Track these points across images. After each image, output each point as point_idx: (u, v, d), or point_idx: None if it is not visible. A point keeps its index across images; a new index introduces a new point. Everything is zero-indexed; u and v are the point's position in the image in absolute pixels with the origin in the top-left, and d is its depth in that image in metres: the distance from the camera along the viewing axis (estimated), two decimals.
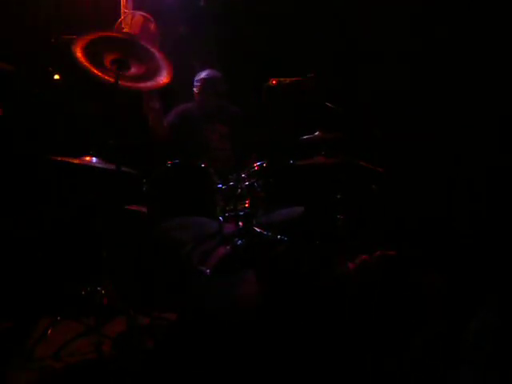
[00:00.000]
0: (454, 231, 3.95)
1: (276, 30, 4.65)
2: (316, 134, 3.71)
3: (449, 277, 3.28)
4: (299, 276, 3.12)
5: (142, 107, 3.86)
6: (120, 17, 4.10)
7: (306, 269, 3.17)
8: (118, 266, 3.45)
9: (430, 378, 2.65)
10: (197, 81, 4.11)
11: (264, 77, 3.80)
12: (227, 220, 3.32)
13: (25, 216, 3.94)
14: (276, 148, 4.03)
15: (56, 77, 3.82)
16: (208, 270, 3.07)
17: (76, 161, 3.34)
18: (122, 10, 4.12)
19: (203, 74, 4.09)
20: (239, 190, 3.33)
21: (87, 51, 3.20)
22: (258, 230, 3.30)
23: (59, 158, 3.37)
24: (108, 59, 3.26)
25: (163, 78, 3.32)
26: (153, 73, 3.31)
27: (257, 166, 3.35)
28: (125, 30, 3.94)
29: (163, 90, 3.59)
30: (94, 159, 3.37)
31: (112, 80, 3.22)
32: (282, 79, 3.74)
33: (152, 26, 4.12)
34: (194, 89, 4.12)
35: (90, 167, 3.47)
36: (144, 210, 3.36)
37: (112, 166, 3.28)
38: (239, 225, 3.31)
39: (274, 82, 3.73)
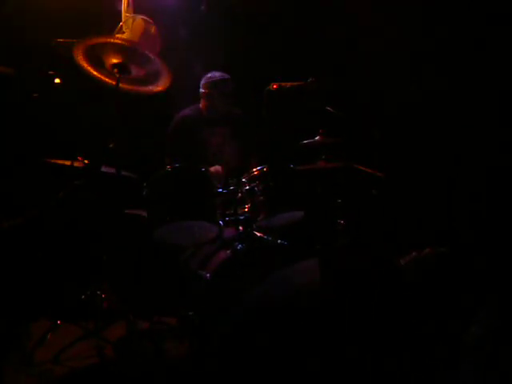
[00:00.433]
0: (454, 233, 3.95)
1: (276, 34, 4.65)
2: (316, 138, 3.71)
3: (449, 277, 3.29)
4: (358, 269, 3.11)
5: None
6: (121, 20, 4.10)
7: (366, 262, 3.17)
8: (117, 270, 3.45)
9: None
10: (205, 81, 4.10)
11: (265, 81, 3.80)
12: (227, 224, 3.32)
13: (25, 219, 3.93)
14: (276, 152, 4.03)
15: (57, 80, 3.81)
16: (208, 275, 3.07)
17: (76, 164, 3.34)
18: (123, 13, 4.12)
19: (212, 75, 4.08)
20: (239, 195, 3.32)
21: (88, 55, 3.21)
22: (258, 234, 3.30)
23: (59, 162, 3.38)
24: (109, 63, 3.27)
25: (163, 82, 3.33)
26: (153, 77, 3.32)
27: (257, 170, 3.34)
28: (126, 34, 3.94)
29: (163, 94, 3.58)
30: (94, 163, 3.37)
31: (113, 83, 3.23)
32: (282, 83, 3.74)
33: (153, 30, 4.12)
34: (201, 90, 4.11)
35: (90, 171, 3.47)
36: (144, 213, 3.36)
37: (112, 170, 3.29)
38: (239, 229, 3.31)
39: (274, 86, 3.73)
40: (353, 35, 4.57)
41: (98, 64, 3.25)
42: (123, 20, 4.09)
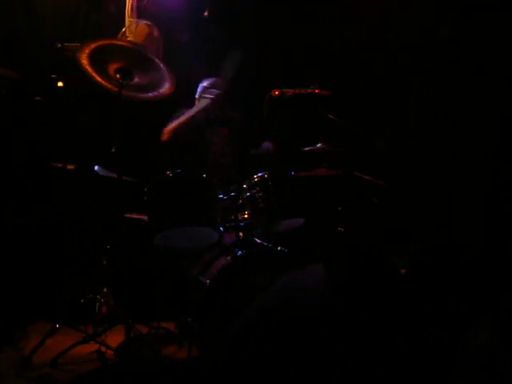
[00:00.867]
0: (455, 242, 3.95)
1: (279, 40, 4.66)
2: (318, 145, 3.71)
3: (450, 286, 3.29)
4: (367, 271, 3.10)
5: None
6: (124, 25, 4.11)
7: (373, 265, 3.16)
8: (117, 275, 3.45)
9: None
10: (199, 88, 4.13)
11: (267, 87, 3.80)
12: (228, 230, 3.33)
13: (25, 222, 3.94)
14: (277, 159, 4.03)
15: (60, 84, 3.82)
16: (208, 281, 3.07)
17: (77, 168, 3.35)
18: (127, 18, 4.13)
19: (205, 83, 4.11)
20: (240, 201, 3.33)
21: (92, 59, 3.21)
22: (259, 240, 3.30)
23: (61, 165, 3.38)
24: (112, 67, 3.27)
25: (166, 89, 3.33)
26: (156, 83, 3.32)
27: (258, 176, 3.35)
28: (129, 39, 3.95)
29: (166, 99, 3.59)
30: (96, 167, 3.38)
31: (115, 89, 3.23)
32: (284, 90, 3.74)
33: (156, 34, 4.13)
34: (196, 95, 4.13)
35: (91, 175, 3.48)
36: (145, 219, 3.36)
37: (113, 174, 3.29)
38: (240, 235, 3.31)
39: (276, 92, 3.73)
40: (355, 42, 4.58)
41: (102, 70, 3.25)
42: (127, 25, 4.11)
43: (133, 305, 3.39)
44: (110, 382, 2.94)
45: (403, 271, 3.41)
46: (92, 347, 3.19)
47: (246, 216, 3.32)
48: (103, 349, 3.17)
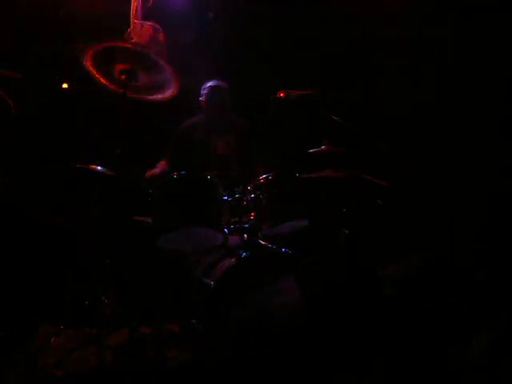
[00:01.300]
0: (459, 246, 3.94)
1: (284, 42, 4.66)
2: (322, 147, 3.71)
3: (454, 291, 3.28)
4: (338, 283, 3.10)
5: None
6: (129, 26, 4.12)
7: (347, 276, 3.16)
8: (121, 276, 3.45)
9: None
10: (203, 89, 4.14)
11: (272, 89, 3.80)
12: (232, 232, 3.32)
13: (28, 223, 3.94)
14: (282, 161, 4.03)
15: (64, 85, 3.83)
16: (212, 282, 3.07)
17: (82, 169, 3.35)
18: (132, 19, 4.14)
19: (210, 83, 4.12)
20: (245, 203, 3.33)
21: (97, 60, 3.21)
22: (263, 242, 3.30)
23: (65, 166, 3.38)
24: (117, 69, 3.27)
25: (171, 91, 3.33)
26: (161, 85, 3.32)
27: (263, 178, 3.35)
28: (134, 40, 3.95)
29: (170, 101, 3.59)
30: (100, 168, 3.38)
31: (120, 90, 3.23)
32: (289, 92, 3.74)
33: (161, 36, 4.13)
34: (201, 98, 4.14)
35: (96, 176, 3.48)
36: (149, 220, 3.36)
37: (118, 176, 3.29)
38: (244, 237, 3.31)
39: (281, 94, 3.73)
40: (359, 42, 4.57)
41: (106, 71, 3.25)
42: (131, 26, 4.11)
43: (137, 306, 3.39)
44: (113, 383, 2.94)
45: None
46: (96, 349, 3.18)
47: (250, 218, 3.31)
48: (107, 350, 3.17)
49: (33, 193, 4.01)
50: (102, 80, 3.31)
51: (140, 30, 4.10)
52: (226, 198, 3.32)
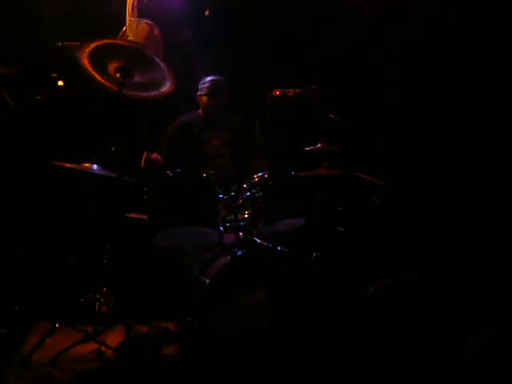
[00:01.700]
0: (457, 244, 3.94)
1: (280, 39, 4.65)
2: (318, 145, 3.71)
3: (451, 291, 3.28)
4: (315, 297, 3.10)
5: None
6: (125, 24, 4.11)
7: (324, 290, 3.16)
8: (117, 274, 3.45)
9: None
10: (202, 83, 4.13)
11: (268, 87, 3.80)
12: (228, 230, 3.32)
13: (25, 222, 3.93)
14: (278, 159, 4.03)
15: (60, 83, 3.82)
16: (208, 280, 3.06)
17: (77, 167, 3.34)
18: (128, 17, 4.13)
19: (209, 77, 4.12)
20: (240, 201, 3.32)
21: (92, 58, 3.20)
22: (259, 240, 3.29)
23: (61, 164, 3.37)
24: (112, 66, 3.26)
25: (166, 88, 3.32)
26: (156, 82, 3.31)
27: (258, 176, 3.34)
28: (130, 38, 3.95)
29: (166, 99, 3.58)
30: (95, 166, 3.37)
31: (115, 88, 3.23)
32: (285, 90, 3.73)
33: (157, 34, 4.13)
34: (199, 92, 4.13)
35: (91, 174, 3.47)
36: (145, 218, 3.36)
37: (113, 174, 3.28)
38: (240, 235, 3.31)
39: (277, 92, 3.73)
40: (356, 42, 4.57)
41: (102, 68, 3.24)
42: (127, 24, 4.11)
43: (133, 304, 3.39)
44: (109, 381, 2.93)
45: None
46: (92, 347, 3.18)
47: (246, 216, 3.31)
48: (103, 348, 3.17)
49: (30, 191, 4.01)
50: (98, 77, 3.29)
51: (136, 27, 4.10)
52: (221, 195, 3.32)
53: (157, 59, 3.21)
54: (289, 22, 4.69)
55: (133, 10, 4.12)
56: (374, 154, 4.22)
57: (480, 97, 4.00)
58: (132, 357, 3.11)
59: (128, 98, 3.35)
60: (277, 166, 3.77)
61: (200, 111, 4.21)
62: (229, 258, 3.11)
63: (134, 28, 4.05)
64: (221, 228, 3.27)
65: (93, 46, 3.16)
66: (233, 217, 3.32)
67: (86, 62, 3.17)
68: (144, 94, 3.40)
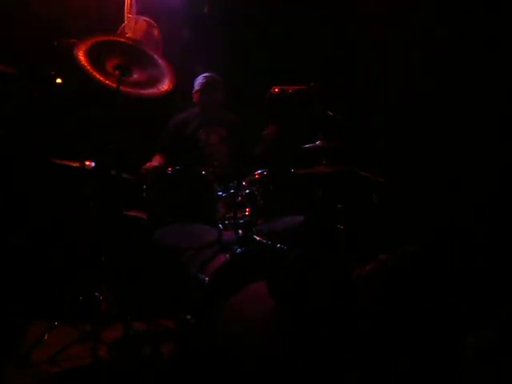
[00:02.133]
0: (456, 241, 3.93)
1: (280, 37, 4.64)
2: (317, 142, 3.70)
3: (450, 287, 3.27)
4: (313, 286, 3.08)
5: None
6: (123, 21, 4.11)
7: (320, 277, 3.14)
8: (116, 272, 3.44)
9: None
10: (197, 82, 4.12)
11: (267, 84, 3.79)
12: (227, 228, 3.31)
13: (23, 219, 3.93)
14: (277, 156, 4.02)
15: (58, 80, 3.81)
16: (207, 278, 3.06)
17: (76, 165, 3.33)
18: (126, 14, 4.13)
19: (203, 76, 4.11)
20: (239, 198, 3.31)
21: (90, 55, 3.19)
22: (258, 238, 3.29)
23: (59, 161, 3.37)
24: (110, 64, 3.25)
25: (165, 86, 3.31)
26: (155, 80, 3.31)
27: (257, 174, 3.34)
28: (128, 35, 3.94)
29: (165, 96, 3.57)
30: (94, 164, 3.36)
31: (113, 85, 3.21)
32: (284, 87, 3.72)
33: (155, 32, 4.13)
34: (194, 90, 4.13)
35: (89, 171, 3.46)
36: (143, 215, 3.36)
37: (112, 171, 3.28)
38: (239, 233, 3.30)
39: (276, 89, 3.71)
40: (356, 39, 4.56)
41: (100, 66, 3.23)
42: (126, 21, 4.10)
43: (131, 302, 3.38)
44: (106, 379, 2.93)
45: None
46: (90, 345, 3.17)
47: (245, 213, 3.31)
48: (101, 346, 3.16)
49: (27, 189, 4.00)
50: (96, 75, 3.27)
51: (134, 25, 4.10)
52: (220, 193, 3.31)
53: (155, 56, 3.21)
54: (288, 19, 4.67)
55: (131, 7, 4.11)
56: (374, 151, 4.21)
57: (481, 95, 3.99)
58: (130, 355, 3.10)
59: (127, 96, 3.34)
60: (276, 163, 3.76)
61: (197, 109, 4.20)
62: (228, 255, 3.11)
63: (132, 25, 4.05)
64: (220, 225, 3.26)
65: (90, 43, 3.15)
66: (232, 214, 3.32)
67: (83, 59, 3.16)
68: (142, 92, 3.39)
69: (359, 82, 4.51)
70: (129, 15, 4.13)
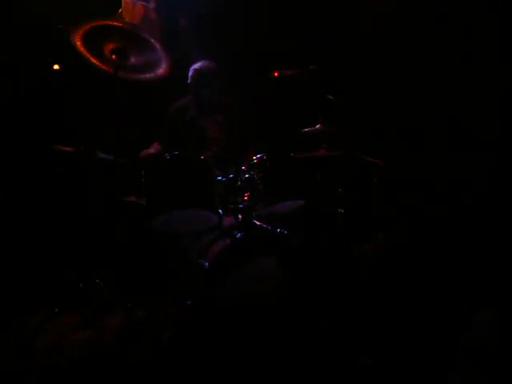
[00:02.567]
0: (456, 226, 3.93)
1: (278, 20, 4.60)
2: (317, 126, 3.68)
3: (450, 275, 3.27)
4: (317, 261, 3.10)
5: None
6: (121, 6, 4.07)
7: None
8: (116, 259, 3.44)
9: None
10: (190, 71, 4.08)
11: (266, 68, 3.76)
12: (226, 213, 3.30)
13: (24, 205, 3.92)
14: (277, 140, 4.00)
15: (55, 67, 3.78)
16: (207, 263, 3.05)
17: (75, 151, 3.32)
18: None
19: (196, 65, 4.06)
20: (239, 183, 3.30)
21: (86, 40, 3.17)
22: (258, 222, 3.28)
23: (58, 148, 3.35)
24: (107, 49, 3.23)
25: (162, 70, 3.29)
26: (152, 64, 3.28)
27: (257, 158, 3.32)
28: (125, 20, 3.91)
29: (162, 82, 3.54)
30: (94, 150, 3.35)
31: (111, 70, 3.19)
32: (284, 71, 3.70)
33: (153, 15, 4.09)
34: (188, 80, 4.10)
35: (89, 157, 3.45)
36: (143, 201, 3.34)
37: (111, 157, 3.27)
38: (239, 218, 3.29)
39: (276, 73, 3.69)
40: (355, 23, 4.53)
41: (97, 50, 3.20)
42: (123, 5, 4.07)
43: (132, 288, 3.38)
44: (109, 366, 2.93)
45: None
46: (91, 331, 3.18)
47: (245, 198, 3.29)
48: (103, 333, 3.16)
49: (28, 177, 3.99)
50: (93, 60, 3.25)
51: (132, 9, 4.06)
52: (220, 178, 3.30)
53: (152, 40, 3.18)
54: (287, 8, 4.63)
55: None
56: (372, 134, 4.20)
57: (482, 91, 3.97)
58: (131, 341, 3.10)
59: (126, 83, 3.32)
60: (276, 147, 3.74)
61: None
62: (228, 240, 3.10)
63: (129, 10, 4.02)
64: (220, 210, 3.25)
65: (86, 28, 3.12)
66: (232, 199, 3.30)
67: (79, 44, 3.13)
68: (140, 76, 3.36)
69: (360, 65, 4.48)
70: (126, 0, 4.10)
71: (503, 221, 3.73)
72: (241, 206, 3.29)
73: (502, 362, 2.48)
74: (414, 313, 3.02)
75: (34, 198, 3.97)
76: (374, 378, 2.67)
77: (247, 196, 3.29)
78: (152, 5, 4.11)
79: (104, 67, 3.26)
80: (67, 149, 3.47)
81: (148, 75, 3.33)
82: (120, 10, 4.00)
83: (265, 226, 3.26)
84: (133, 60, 3.26)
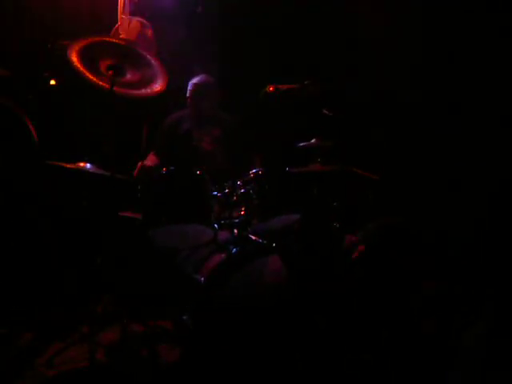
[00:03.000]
0: (452, 238, 3.93)
1: (275, 36, 4.63)
2: (312, 141, 3.69)
3: (447, 280, 3.27)
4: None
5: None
6: (117, 22, 4.10)
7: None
8: (111, 274, 3.43)
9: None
10: (189, 85, 4.11)
11: (262, 82, 3.78)
12: (222, 227, 3.31)
13: (19, 220, 3.91)
14: (272, 155, 4.01)
15: (52, 82, 3.80)
16: (202, 278, 3.05)
17: (70, 166, 3.33)
18: (119, 15, 4.12)
19: (194, 80, 4.08)
20: (234, 198, 3.31)
21: (83, 56, 3.19)
22: (254, 237, 3.28)
23: (54, 163, 3.36)
24: (104, 65, 3.25)
25: (158, 86, 3.31)
26: (148, 80, 3.30)
27: (252, 173, 3.33)
28: (122, 36, 3.93)
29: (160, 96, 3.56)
30: (89, 165, 3.35)
31: (107, 86, 3.21)
32: (279, 86, 3.72)
33: (149, 32, 4.12)
34: (187, 94, 4.12)
35: (84, 173, 3.45)
36: (138, 216, 3.35)
37: (106, 173, 3.27)
38: (234, 232, 3.29)
39: (271, 88, 3.71)
40: (352, 36, 4.55)
41: (93, 66, 3.22)
42: (119, 22, 4.09)
43: (128, 303, 3.37)
44: (104, 382, 2.92)
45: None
46: (87, 347, 3.17)
47: (240, 213, 3.30)
48: (98, 348, 3.15)
49: (23, 191, 3.99)
50: (89, 76, 3.27)
51: (128, 25, 4.08)
52: (215, 193, 3.30)
53: (148, 57, 3.20)
54: (283, 19, 4.66)
55: (125, 7, 4.11)
56: (369, 149, 4.21)
57: (481, 91, 3.98)
58: (127, 356, 3.09)
59: (120, 97, 3.33)
60: (271, 162, 3.76)
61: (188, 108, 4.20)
62: (223, 255, 3.10)
63: (125, 26, 4.04)
64: (215, 225, 3.26)
65: (83, 44, 3.15)
66: (227, 214, 3.31)
67: (76, 60, 3.15)
68: (136, 92, 3.38)
69: (355, 80, 4.50)
70: (122, 16, 4.12)
71: (504, 223, 3.73)
72: (236, 220, 3.30)
73: (502, 362, 2.48)
74: (414, 313, 3.02)
75: (30, 213, 3.97)
76: (373, 378, 2.67)
77: (243, 211, 3.29)
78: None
79: (100, 83, 3.28)
80: (63, 164, 3.47)
81: (144, 91, 3.35)
82: (116, 27, 4.02)
83: (260, 240, 3.26)
84: (129, 76, 3.28)
